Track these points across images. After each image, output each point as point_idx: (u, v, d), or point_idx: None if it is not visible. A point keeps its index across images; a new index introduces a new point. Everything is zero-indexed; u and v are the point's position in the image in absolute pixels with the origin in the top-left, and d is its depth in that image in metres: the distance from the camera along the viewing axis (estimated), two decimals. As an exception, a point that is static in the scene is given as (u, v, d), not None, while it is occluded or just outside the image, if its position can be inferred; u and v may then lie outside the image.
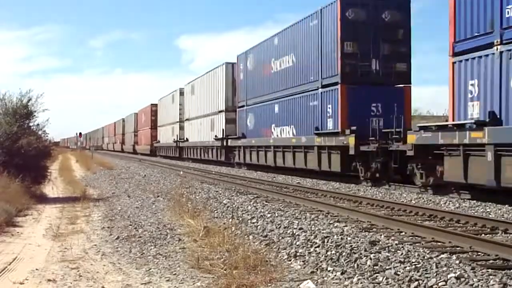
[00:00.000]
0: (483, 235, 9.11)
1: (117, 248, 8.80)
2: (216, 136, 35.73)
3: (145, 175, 26.40)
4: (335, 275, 6.55)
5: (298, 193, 16.87)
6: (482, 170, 13.36)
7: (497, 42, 13.22)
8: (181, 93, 48.51)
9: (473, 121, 13.72)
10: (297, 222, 10.17)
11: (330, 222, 10.30)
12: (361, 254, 7.25)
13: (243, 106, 32.09)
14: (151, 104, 62.70)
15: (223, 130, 34.83)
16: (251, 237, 9.03)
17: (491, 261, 7.10)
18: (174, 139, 49.48)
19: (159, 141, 58.05)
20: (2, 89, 24.96)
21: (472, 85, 14.07)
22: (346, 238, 8.31)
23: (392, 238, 8.72)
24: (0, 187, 13.63)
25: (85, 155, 56.00)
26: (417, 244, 8.31)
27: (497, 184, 12.97)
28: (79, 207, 14.25)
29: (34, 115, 17.77)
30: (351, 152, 19.38)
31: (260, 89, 29.14)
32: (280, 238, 8.79)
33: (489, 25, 13.47)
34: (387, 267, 6.59)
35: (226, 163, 34.82)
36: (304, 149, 23.33)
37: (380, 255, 7.15)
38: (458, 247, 8.03)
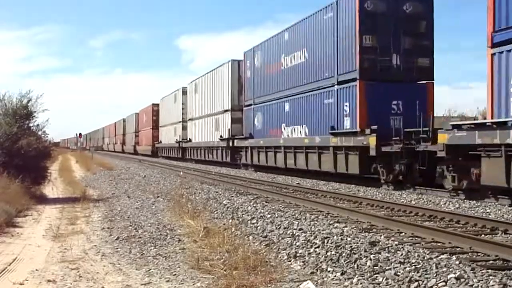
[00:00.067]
0: (483, 235, 9.11)
1: (117, 248, 8.81)
2: (221, 136, 34.77)
3: (145, 176, 26.39)
4: (335, 276, 6.55)
5: (298, 193, 16.88)
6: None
7: None
8: (184, 92, 47.52)
9: None
10: (297, 222, 10.17)
11: (330, 223, 10.31)
12: (361, 254, 7.25)
13: (250, 105, 30.87)
14: (153, 104, 61.60)
15: (228, 130, 33.78)
16: (251, 237, 9.04)
17: (491, 262, 7.10)
18: (176, 140, 48.50)
19: (160, 142, 57.24)
20: (2, 90, 24.97)
21: None
22: (346, 239, 8.31)
23: (392, 238, 8.72)
24: (0, 188, 13.64)
25: (85, 156, 55.93)
26: (417, 244, 8.31)
27: None
28: (79, 208, 14.26)
29: (34, 116, 17.81)
30: (372, 153, 18.13)
31: (269, 87, 27.83)
32: (280, 238, 8.80)
33: None
34: (387, 268, 6.59)
35: (231, 164, 33.84)
36: (318, 150, 22.06)
37: (380, 255, 7.15)
38: (458, 247, 8.02)
